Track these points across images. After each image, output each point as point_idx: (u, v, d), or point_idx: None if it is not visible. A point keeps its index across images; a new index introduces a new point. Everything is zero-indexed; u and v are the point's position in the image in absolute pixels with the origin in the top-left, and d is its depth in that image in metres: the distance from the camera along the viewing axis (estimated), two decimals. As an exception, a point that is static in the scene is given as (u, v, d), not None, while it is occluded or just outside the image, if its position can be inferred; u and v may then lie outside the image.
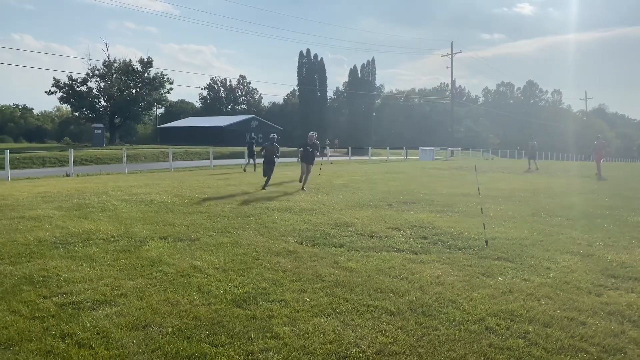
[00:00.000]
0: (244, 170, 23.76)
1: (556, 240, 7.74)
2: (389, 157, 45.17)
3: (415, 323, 4.14)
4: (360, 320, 4.19)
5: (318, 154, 15.39)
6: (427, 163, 37.50)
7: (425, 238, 7.73)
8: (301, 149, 15.24)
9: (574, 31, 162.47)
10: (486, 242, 7.22)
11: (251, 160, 24.64)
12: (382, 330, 3.97)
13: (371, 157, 42.41)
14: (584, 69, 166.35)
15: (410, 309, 4.47)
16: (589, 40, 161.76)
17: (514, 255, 6.59)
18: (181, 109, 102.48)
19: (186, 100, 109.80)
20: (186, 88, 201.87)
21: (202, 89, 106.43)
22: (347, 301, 4.68)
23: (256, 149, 23.26)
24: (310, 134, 15.22)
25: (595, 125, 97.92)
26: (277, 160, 15.96)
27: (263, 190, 13.86)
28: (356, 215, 9.64)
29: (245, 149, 26.37)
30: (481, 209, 8.80)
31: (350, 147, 41.78)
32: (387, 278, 5.48)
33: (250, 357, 3.50)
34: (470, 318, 4.25)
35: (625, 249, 7.14)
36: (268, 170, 14.91)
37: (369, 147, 46.46)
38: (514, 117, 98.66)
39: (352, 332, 3.95)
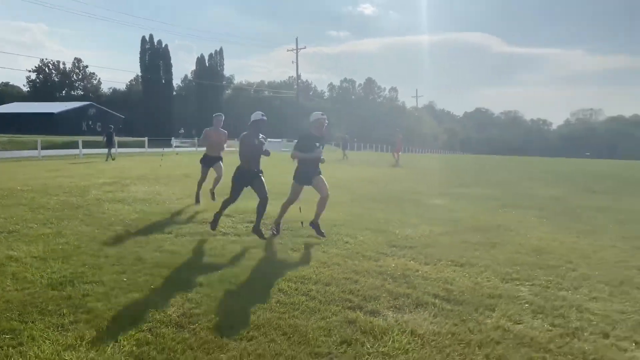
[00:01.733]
0: (107, 160, 25.01)
1: (363, 220, 9.05)
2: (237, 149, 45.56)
3: (221, 290, 4.81)
4: (172, 292, 4.73)
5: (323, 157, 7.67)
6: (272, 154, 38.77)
7: (251, 222, 8.45)
8: (298, 150, 7.50)
9: (410, 33, 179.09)
10: (302, 223, 8.19)
11: (112, 150, 26.32)
12: (190, 299, 4.56)
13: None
14: (417, 69, 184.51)
15: (220, 280, 5.13)
16: (423, 42, 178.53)
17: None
18: (5, 93, 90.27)
19: (11, 83, 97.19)
20: (10, 70, 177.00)
21: (30, 71, 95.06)
22: (163, 278, 5.18)
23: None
24: (318, 115, 7.55)
25: (426, 121, 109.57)
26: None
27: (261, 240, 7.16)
28: (191, 204, 10.03)
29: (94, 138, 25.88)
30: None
31: (196, 139, 41.30)
32: (207, 257, 6.10)
33: (60, 329, 3.84)
34: (268, 283, 5.07)
35: (413, 226, 8.68)
36: (258, 193, 7.42)
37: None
38: (355, 112, 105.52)
39: (163, 301, 4.47)
